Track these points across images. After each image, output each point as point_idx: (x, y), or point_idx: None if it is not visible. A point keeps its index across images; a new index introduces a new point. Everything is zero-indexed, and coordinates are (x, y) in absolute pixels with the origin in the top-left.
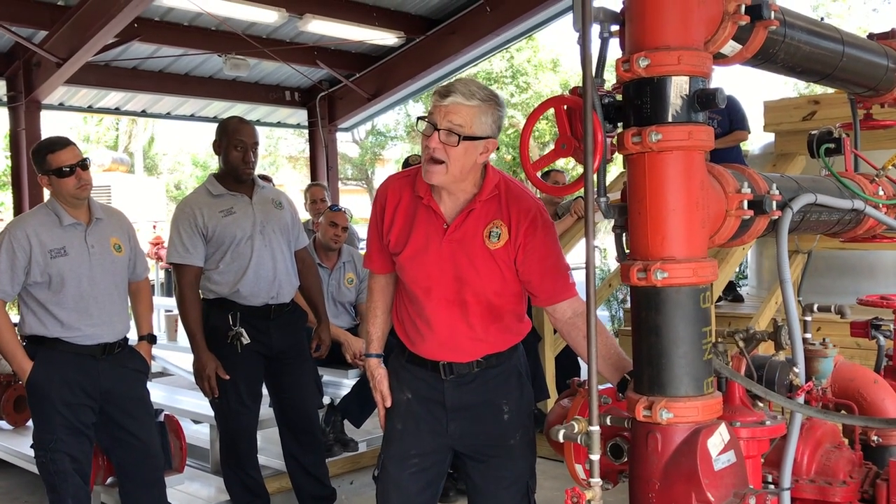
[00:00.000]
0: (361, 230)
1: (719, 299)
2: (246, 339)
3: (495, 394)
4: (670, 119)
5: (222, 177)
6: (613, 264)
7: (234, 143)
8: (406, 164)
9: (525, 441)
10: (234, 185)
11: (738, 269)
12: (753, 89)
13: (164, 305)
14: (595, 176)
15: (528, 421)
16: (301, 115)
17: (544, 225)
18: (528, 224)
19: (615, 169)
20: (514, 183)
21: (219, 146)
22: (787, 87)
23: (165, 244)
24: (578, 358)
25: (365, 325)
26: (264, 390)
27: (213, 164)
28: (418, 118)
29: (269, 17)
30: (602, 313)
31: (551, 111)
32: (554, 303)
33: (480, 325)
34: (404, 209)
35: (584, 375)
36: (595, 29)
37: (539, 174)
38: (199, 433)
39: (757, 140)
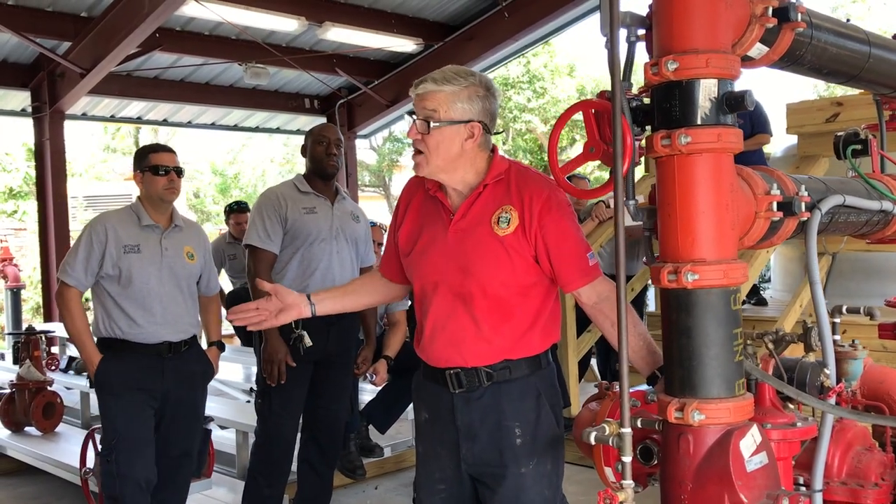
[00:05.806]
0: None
1: (743, 303)
2: (308, 342)
3: (506, 414)
4: (699, 122)
5: (309, 177)
6: None
7: (318, 139)
8: None
9: (540, 473)
10: (320, 186)
11: (761, 273)
12: (776, 92)
13: None
14: (624, 179)
15: (546, 451)
16: (320, 123)
17: (559, 206)
18: (541, 206)
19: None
20: (528, 169)
21: (305, 149)
22: (809, 89)
23: None
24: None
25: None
26: None
27: (231, 171)
28: (407, 113)
29: (289, 25)
30: None
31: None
32: (575, 288)
33: (487, 322)
34: (416, 206)
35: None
36: (622, 33)
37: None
38: (226, 438)
39: (779, 142)
